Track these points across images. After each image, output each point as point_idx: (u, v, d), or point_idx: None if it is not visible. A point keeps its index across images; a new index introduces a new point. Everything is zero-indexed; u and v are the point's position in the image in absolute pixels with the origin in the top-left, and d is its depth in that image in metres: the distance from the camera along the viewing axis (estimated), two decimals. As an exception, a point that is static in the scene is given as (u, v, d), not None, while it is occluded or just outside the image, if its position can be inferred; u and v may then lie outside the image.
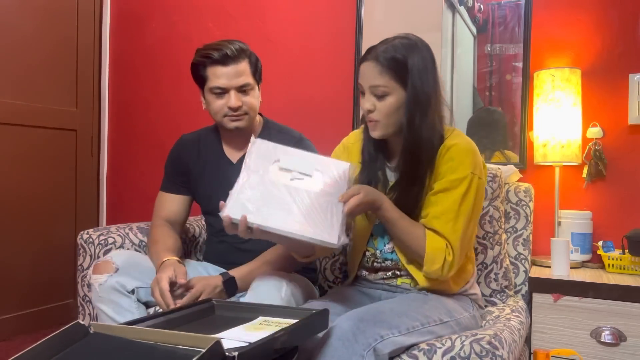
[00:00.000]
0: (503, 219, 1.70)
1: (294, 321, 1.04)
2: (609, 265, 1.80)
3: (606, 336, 1.57)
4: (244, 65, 1.56)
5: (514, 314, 1.44)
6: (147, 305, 1.51)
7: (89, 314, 1.69)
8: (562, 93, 1.86)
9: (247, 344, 0.91)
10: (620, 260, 1.77)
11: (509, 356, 1.13)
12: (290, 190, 1.21)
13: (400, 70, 1.27)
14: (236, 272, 1.51)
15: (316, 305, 1.31)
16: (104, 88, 2.89)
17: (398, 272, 1.38)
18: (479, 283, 1.63)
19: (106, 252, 1.67)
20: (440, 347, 1.13)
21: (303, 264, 1.48)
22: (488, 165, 1.61)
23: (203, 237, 1.99)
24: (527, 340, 1.64)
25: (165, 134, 2.72)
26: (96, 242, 1.69)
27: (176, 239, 1.64)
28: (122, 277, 1.45)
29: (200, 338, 0.87)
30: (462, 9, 2.14)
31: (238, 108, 1.56)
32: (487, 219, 1.63)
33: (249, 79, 1.57)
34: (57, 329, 0.94)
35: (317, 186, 1.22)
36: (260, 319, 1.12)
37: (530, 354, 1.66)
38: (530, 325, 1.65)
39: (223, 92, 1.56)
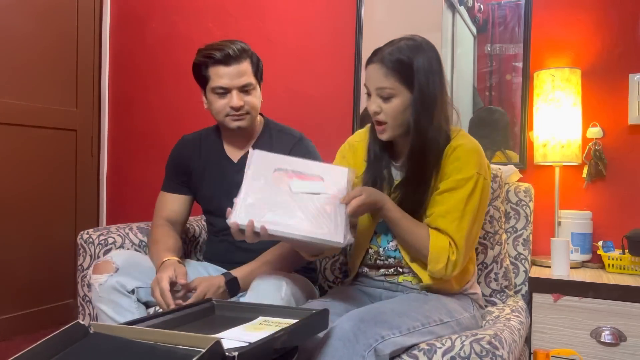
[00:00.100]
0: (503, 219, 1.70)
1: (294, 321, 1.04)
2: (609, 265, 1.80)
3: (606, 336, 1.57)
4: (245, 65, 1.57)
5: (514, 314, 1.44)
6: (147, 305, 1.51)
7: (89, 314, 1.70)
8: (562, 93, 1.86)
9: (247, 344, 0.91)
10: (620, 260, 1.77)
11: (509, 356, 1.13)
12: (293, 195, 1.24)
13: (405, 72, 1.27)
14: (238, 272, 1.51)
15: (316, 305, 1.31)
16: (104, 88, 2.89)
17: (400, 270, 1.38)
18: (479, 283, 1.63)
19: (106, 252, 1.67)
20: (440, 347, 1.13)
21: (309, 261, 1.49)
22: (488, 165, 1.61)
23: (203, 237, 1.99)
24: (527, 340, 1.64)
25: (165, 133, 2.72)
26: (96, 242, 1.70)
27: (177, 239, 1.64)
28: (122, 277, 1.46)
29: (200, 338, 0.87)
30: (462, 9, 2.14)
31: (240, 108, 1.57)
32: (488, 219, 1.63)
33: (250, 79, 1.58)
34: (57, 329, 0.93)
35: (319, 190, 1.25)
36: (260, 319, 1.12)
37: (530, 354, 1.66)
38: (530, 325, 1.65)
39: (225, 92, 1.56)
